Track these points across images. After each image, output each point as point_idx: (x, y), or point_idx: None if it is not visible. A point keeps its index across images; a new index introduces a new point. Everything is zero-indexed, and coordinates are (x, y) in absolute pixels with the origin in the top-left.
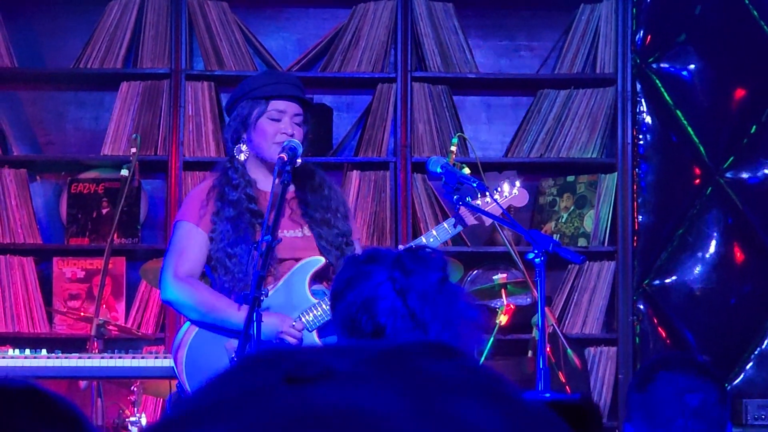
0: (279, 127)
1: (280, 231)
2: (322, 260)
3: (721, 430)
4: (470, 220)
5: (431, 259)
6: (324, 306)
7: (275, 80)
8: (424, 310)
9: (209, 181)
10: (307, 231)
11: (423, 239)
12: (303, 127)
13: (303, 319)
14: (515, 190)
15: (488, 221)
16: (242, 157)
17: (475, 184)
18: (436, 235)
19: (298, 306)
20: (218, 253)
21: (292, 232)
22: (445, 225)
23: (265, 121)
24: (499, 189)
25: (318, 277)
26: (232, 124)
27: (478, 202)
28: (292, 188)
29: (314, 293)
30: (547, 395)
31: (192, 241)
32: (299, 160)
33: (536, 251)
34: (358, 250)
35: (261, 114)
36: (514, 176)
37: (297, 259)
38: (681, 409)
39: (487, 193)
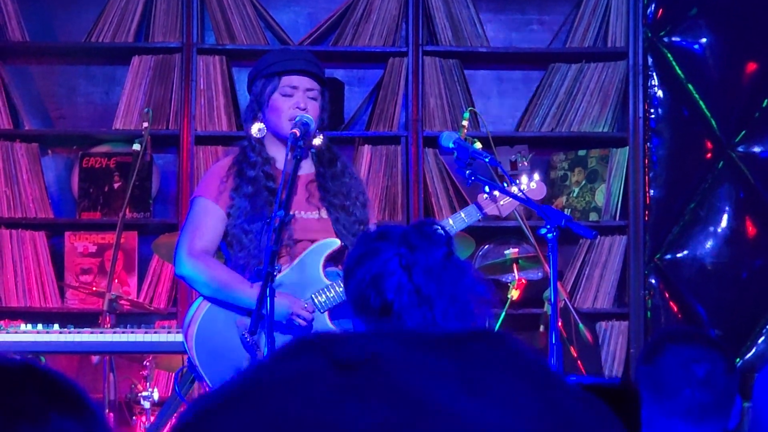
0: (292, 102)
1: (297, 212)
2: (338, 242)
3: (729, 401)
4: (489, 209)
5: (436, 235)
6: (337, 288)
7: (288, 57)
8: (429, 285)
9: (230, 157)
10: (324, 214)
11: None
12: (319, 103)
13: (315, 300)
14: (533, 183)
15: (505, 212)
16: (257, 135)
17: (487, 159)
18: (452, 224)
19: (311, 286)
20: (235, 229)
21: (309, 214)
22: (462, 215)
23: (278, 97)
24: (517, 181)
25: (333, 260)
26: (249, 103)
27: (497, 193)
28: (312, 170)
29: (328, 275)
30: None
31: (208, 217)
32: (318, 141)
33: (549, 226)
34: None
35: (273, 90)
36: (525, 151)
37: (312, 241)
38: (688, 379)
39: (511, 182)
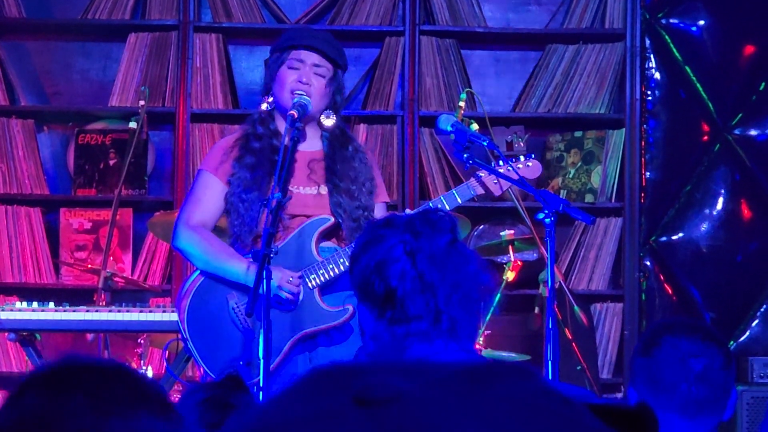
0: (296, 75)
1: (294, 187)
2: (331, 219)
3: (725, 395)
4: (479, 189)
5: (440, 221)
6: (330, 265)
7: (303, 33)
8: (432, 272)
9: (240, 131)
10: (323, 190)
11: (431, 205)
12: (327, 82)
13: (306, 277)
14: (529, 162)
15: (498, 191)
16: (266, 107)
17: (485, 143)
18: (444, 202)
19: (303, 262)
20: (233, 198)
21: (308, 189)
22: (455, 193)
23: (284, 69)
24: (513, 160)
25: (327, 236)
26: (265, 77)
27: (491, 176)
28: (319, 148)
29: (321, 251)
30: (600, 400)
31: (209, 191)
32: (330, 122)
33: (546, 211)
34: (380, 212)
35: (282, 63)
36: (522, 131)
37: (308, 216)
38: (685, 373)
39: (504, 161)
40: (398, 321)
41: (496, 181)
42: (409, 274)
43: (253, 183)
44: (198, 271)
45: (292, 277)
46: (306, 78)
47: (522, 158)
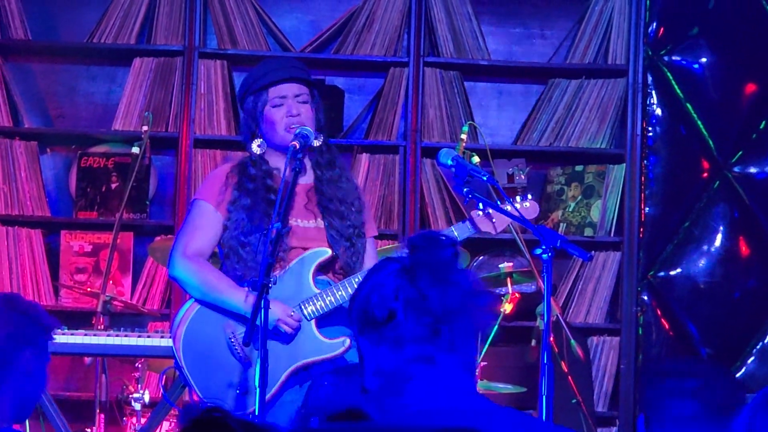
0: (283, 111)
1: (294, 220)
2: (328, 252)
3: None
4: (482, 226)
5: (440, 237)
6: (326, 297)
7: (271, 67)
8: (430, 285)
9: (230, 164)
10: (320, 222)
11: None
12: (311, 105)
13: (303, 309)
14: (526, 203)
15: (498, 229)
16: (258, 151)
17: (485, 178)
18: None
19: (300, 295)
20: (231, 242)
21: (306, 222)
22: (453, 230)
23: (269, 109)
24: (510, 200)
25: (324, 269)
26: (244, 121)
27: (491, 211)
28: (312, 178)
29: (317, 283)
30: None
31: (205, 221)
32: (317, 142)
33: (544, 247)
34: (370, 246)
35: (264, 104)
36: (523, 164)
37: (306, 249)
38: None
39: (505, 199)
40: (399, 342)
41: (494, 219)
42: (407, 291)
43: (251, 225)
44: (192, 299)
45: (293, 311)
46: (295, 110)
47: (518, 198)
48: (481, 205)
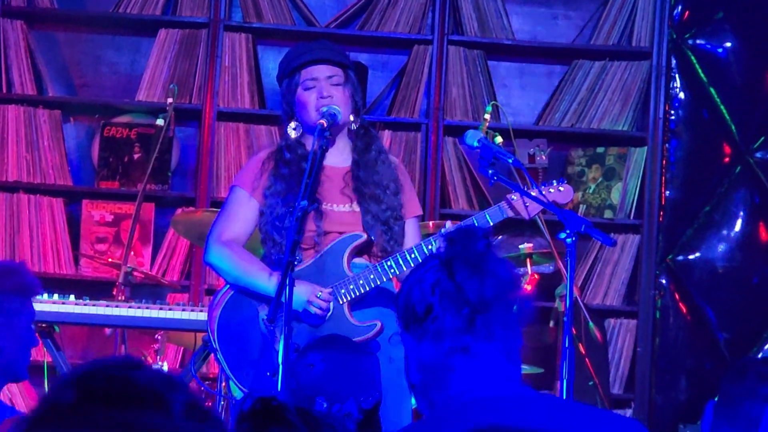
0: (315, 93)
1: (329, 204)
2: (363, 236)
3: None
4: (514, 212)
5: (474, 228)
6: (360, 280)
7: (304, 50)
8: (467, 276)
9: (267, 150)
10: (356, 206)
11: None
12: (345, 87)
13: (338, 293)
14: (561, 187)
15: (531, 215)
16: (293, 134)
17: (510, 161)
18: (475, 222)
19: (334, 279)
20: (267, 227)
21: (342, 207)
22: (487, 215)
23: (301, 92)
24: (546, 184)
25: (360, 252)
26: (281, 104)
27: (515, 197)
28: (349, 162)
29: (353, 267)
30: None
31: (242, 208)
32: (353, 125)
33: (568, 231)
34: (411, 226)
35: (296, 86)
36: (544, 145)
37: (341, 233)
38: None
39: (534, 187)
40: (439, 335)
41: (527, 204)
42: (444, 284)
43: (286, 210)
44: (228, 284)
45: (321, 291)
46: (326, 92)
47: (555, 182)
48: (515, 196)
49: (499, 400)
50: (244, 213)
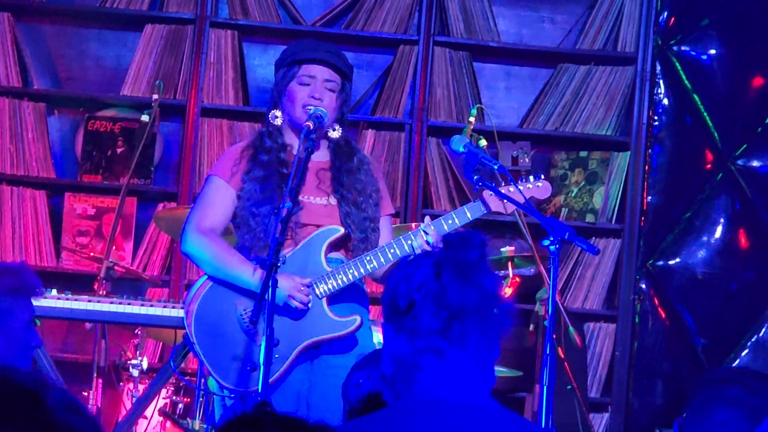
0: (307, 91)
1: (305, 197)
2: (341, 230)
3: None
4: (494, 206)
5: (471, 235)
6: (339, 275)
7: (311, 47)
8: (453, 282)
9: (247, 140)
10: (332, 200)
11: (442, 221)
12: (337, 95)
13: (317, 288)
14: (539, 183)
15: (510, 209)
16: (277, 122)
17: (496, 167)
18: (455, 218)
19: (312, 272)
20: (243, 212)
21: (318, 200)
22: (466, 209)
23: (295, 85)
24: (523, 179)
25: (336, 246)
26: (271, 90)
27: (502, 189)
28: (327, 159)
29: (329, 261)
30: None
31: (219, 196)
32: (336, 134)
33: (552, 238)
34: (386, 224)
35: (292, 78)
36: (528, 147)
37: (318, 226)
38: None
39: (512, 183)
40: (415, 332)
41: (505, 200)
42: (430, 285)
43: (263, 197)
44: (206, 276)
45: (303, 285)
46: (318, 93)
47: (532, 178)
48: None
49: (457, 406)
50: (221, 202)
